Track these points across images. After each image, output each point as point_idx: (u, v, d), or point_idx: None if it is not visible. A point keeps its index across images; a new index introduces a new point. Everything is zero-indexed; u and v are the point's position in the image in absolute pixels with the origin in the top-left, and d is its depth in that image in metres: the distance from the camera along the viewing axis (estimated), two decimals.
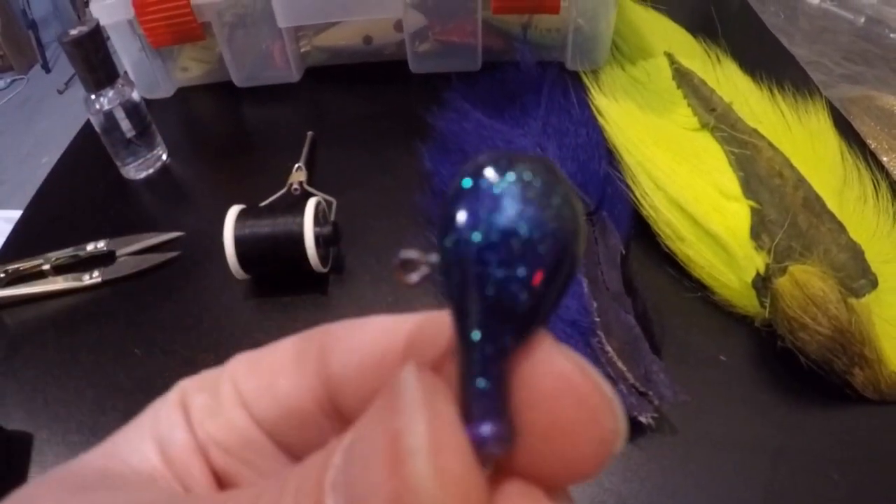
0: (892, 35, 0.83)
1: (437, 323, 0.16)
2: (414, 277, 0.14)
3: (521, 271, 0.13)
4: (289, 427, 0.19)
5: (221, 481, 0.19)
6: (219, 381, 0.19)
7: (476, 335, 0.13)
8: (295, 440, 0.19)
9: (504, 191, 0.13)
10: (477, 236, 0.13)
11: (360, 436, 0.13)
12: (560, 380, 0.14)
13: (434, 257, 0.13)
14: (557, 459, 0.14)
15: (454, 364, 0.14)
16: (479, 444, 0.13)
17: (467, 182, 0.13)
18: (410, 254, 0.14)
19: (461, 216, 0.13)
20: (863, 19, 0.86)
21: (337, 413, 0.18)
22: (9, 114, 2.91)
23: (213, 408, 0.19)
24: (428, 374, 0.14)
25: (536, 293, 0.13)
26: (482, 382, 0.13)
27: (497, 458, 0.14)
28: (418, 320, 0.17)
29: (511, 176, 0.13)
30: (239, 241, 0.52)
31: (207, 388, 0.19)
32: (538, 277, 0.13)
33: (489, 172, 0.13)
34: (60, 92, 2.96)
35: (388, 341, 0.17)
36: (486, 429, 0.13)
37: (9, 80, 3.09)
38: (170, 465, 0.18)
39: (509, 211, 0.13)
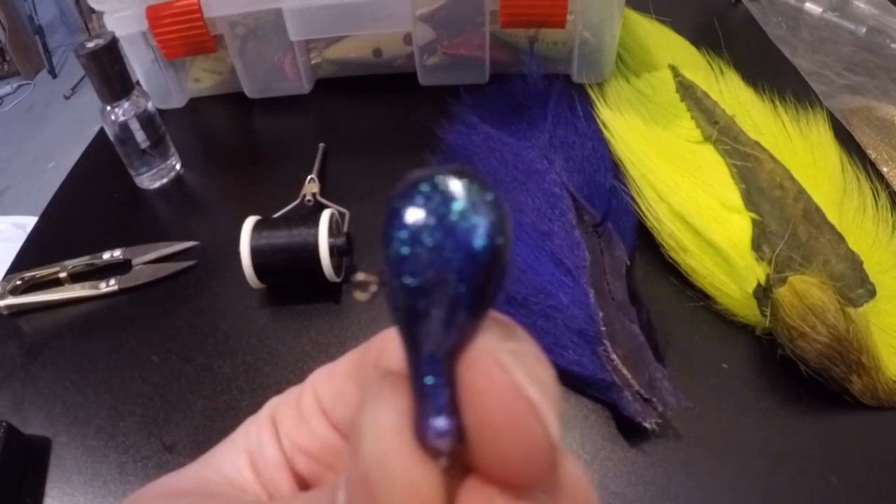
0: (893, 45, 0.84)
1: None
2: (363, 296, 0.15)
3: (447, 282, 0.14)
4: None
5: (308, 486, 0.20)
6: (302, 393, 0.21)
7: (415, 339, 0.14)
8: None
9: (427, 212, 0.14)
10: (405, 256, 0.14)
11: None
12: (488, 382, 0.14)
13: (382, 278, 0.14)
14: (499, 460, 0.14)
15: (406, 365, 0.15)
16: (426, 437, 0.14)
17: (397, 206, 0.14)
18: (360, 276, 0.15)
19: (392, 241, 0.14)
20: (864, 30, 0.87)
21: None
22: (15, 119, 2.92)
23: (297, 418, 0.21)
24: (390, 374, 0.15)
25: (464, 300, 0.14)
26: (429, 380, 0.14)
27: (449, 452, 0.14)
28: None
29: (434, 196, 0.14)
30: (255, 252, 0.53)
31: (293, 401, 0.21)
32: (466, 286, 0.14)
33: (414, 197, 0.14)
34: (67, 97, 2.97)
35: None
36: (432, 423, 0.14)
37: (15, 86, 3.11)
38: (259, 477, 0.20)
39: (431, 235, 0.14)
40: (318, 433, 0.20)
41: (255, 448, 0.21)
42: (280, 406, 0.21)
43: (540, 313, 0.48)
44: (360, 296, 0.15)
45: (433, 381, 0.14)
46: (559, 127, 0.64)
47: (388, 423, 0.14)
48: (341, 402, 0.20)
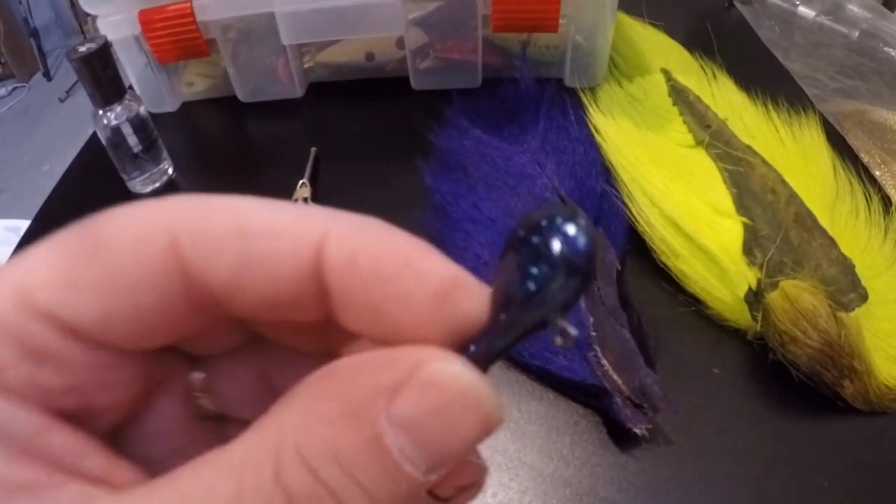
0: (886, 49, 0.84)
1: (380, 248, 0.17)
2: (561, 342, 0.17)
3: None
4: (154, 333, 0.17)
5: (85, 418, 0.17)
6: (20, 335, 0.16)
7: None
8: (156, 341, 0.18)
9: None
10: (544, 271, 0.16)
11: (437, 418, 0.16)
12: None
13: (573, 330, 0.17)
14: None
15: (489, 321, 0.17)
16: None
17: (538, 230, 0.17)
18: (562, 322, 0.17)
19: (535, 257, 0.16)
20: (857, 33, 0.87)
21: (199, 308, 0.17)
22: (10, 122, 2.92)
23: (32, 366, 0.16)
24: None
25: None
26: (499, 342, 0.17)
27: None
28: (335, 235, 0.17)
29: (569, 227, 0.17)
30: None
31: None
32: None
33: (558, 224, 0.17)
34: (62, 100, 2.96)
35: (291, 247, 0.17)
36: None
37: (10, 88, 3.10)
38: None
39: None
40: (68, 361, 0.16)
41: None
42: None
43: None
44: (560, 342, 0.17)
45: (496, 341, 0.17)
46: (551, 131, 0.64)
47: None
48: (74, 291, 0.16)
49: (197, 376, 0.21)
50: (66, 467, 0.16)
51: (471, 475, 0.19)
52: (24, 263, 0.16)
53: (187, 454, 0.16)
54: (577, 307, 0.48)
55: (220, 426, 0.21)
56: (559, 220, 0.17)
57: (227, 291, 0.17)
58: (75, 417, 0.17)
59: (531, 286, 0.16)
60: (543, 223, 0.17)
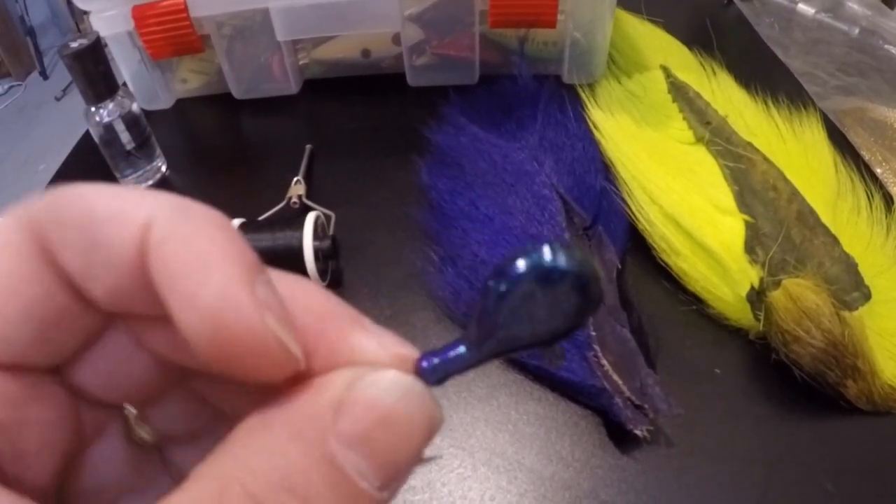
0: (886, 46, 0.83)
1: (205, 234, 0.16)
2: (557, 363, 0.17)
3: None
4: (53, 334, 0.17)
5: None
6: None
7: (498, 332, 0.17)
8: (59, 346, 0.17)
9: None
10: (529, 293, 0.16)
11: (385, 427, 0.15)
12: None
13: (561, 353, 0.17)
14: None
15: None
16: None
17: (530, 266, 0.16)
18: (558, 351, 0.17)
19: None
20: (857, 31, 0.87)
21: (85, 303, 0.17)
22: (6, 121, 2.91)
23: None
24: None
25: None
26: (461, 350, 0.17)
27: None
28: (160, 221, 0.16)
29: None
30: None
31: None
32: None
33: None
34: (58, 99, 2.96)
35: (128, 237, 0.16)
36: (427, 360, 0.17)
37: (6, 87, 3.09)
38: None
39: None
40: None
41: None
42: None
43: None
44: (555, 363, 0.17)
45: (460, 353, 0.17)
46: (549, 128, 0.63)
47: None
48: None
49: (130, 410, 0.20)
50: None
51: None
52: None
53: (135, 489, 0.17)
54: None
55: (164, 453, 0.21)
56: (551, 253, 0.16)
57: (83, 283, 0.16)
58: (10, 478, 0.16)
59: (521, 322, 0.16)
60: (539, 261, 0.16)
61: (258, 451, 0.15)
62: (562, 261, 0.15)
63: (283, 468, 0.15)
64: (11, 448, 0.16)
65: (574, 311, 0.16)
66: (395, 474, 0.16)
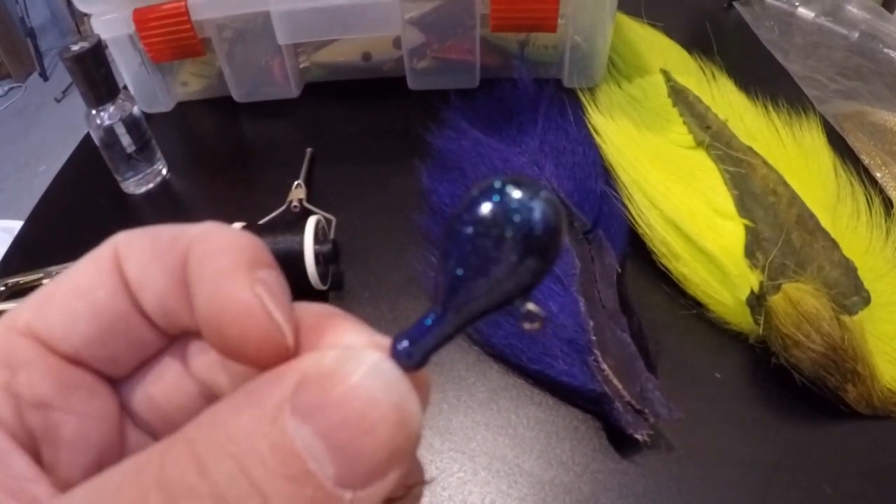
0: (885, 50, 0.83)
1: (222, 236, 0.18)
2: (532, 326, 0.15)
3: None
4: (111, 340, 0.18)
5: (40, 441, 0.18)
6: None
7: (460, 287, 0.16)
8: (119, 353, 0.19)
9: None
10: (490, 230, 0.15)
11: (343, 403, 0.15)
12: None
13: (541, 311, 0.15)
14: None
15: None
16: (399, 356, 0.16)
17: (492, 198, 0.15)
18: (531, 307, 0.15)
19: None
20: (857, 34, 0.87)
21: (143, 314, 0.19)
22: (6, 122, 2.91)
23: (7, 372, 0.17)
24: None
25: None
26: (429, 320, 0.16)
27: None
28: (199, 233, 0.18)
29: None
30: None
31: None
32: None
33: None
34: (58, 100, 2.96)
35: (178, 248, 0.18)
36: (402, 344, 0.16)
37: (6, 88, 3.09)
38: None
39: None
40: (47, 371, 0.17)
41: None
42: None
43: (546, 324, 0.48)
44: (530, 326, 0.15)
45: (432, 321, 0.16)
46: (550, 132, 0.63)
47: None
48: (83, 319, 0.18)
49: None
50: (15, 492, 0.16)
51: (416, 474, 0.18)
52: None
53: None
54: (577, 311, 0.47)
55: None
56: (514, 190, 0.15)
57: (138, 291, 0.18)
58: (46, 464, 0.17)
59: (481, 268, 0.15)
60: (494, 195, 0.15)
61: (216, 416, 0.15)
62: (515, 193, 0.15)
63: (231, 433, 0.14)
64: (47, 429, 0.17)
65: (535, 248, 0.15)
66: (358, 469, 0.14)
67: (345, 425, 0.14)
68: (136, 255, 0.18)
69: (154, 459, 0.15)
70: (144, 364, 0.20)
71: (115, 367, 0.19)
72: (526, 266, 0.15)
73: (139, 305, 0.18)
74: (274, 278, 0.17)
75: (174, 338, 0.20)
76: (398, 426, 0.15)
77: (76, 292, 0.18)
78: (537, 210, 0.14)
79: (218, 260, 0.17)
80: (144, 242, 0.18)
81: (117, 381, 0.19)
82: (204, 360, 0.19)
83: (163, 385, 0.20)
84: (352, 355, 0.15)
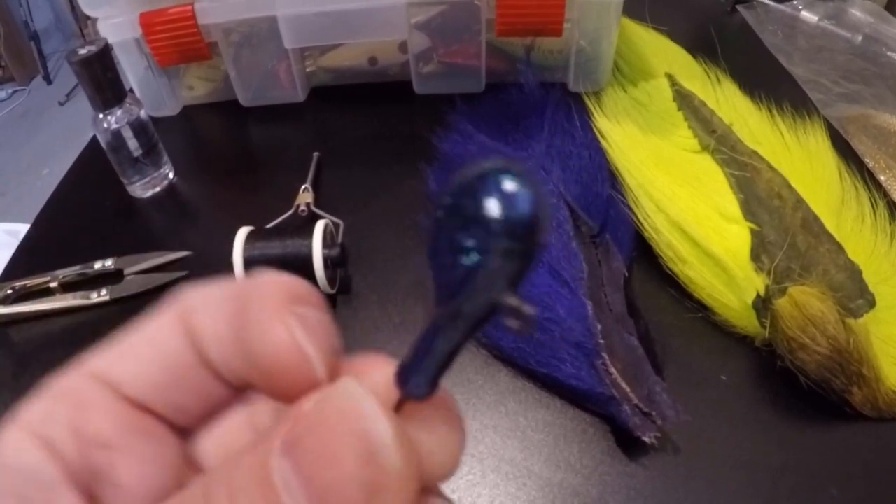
0: (889, 54, 0.84)
1: (277, 284, 0.18)
2: (516, 324, 0.15)
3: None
4: (178, 388, 0.19)
5: (99, 482, 0.18)
6: (71, 389, 0.18)
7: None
8: (185, 402, 0.19)
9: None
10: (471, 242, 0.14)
11: (312, 434, 0.15)
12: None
13: (529, 309, 0.15)
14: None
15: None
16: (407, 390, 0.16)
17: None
18: (512, 300, 0.15)
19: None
20: (860, 38, 0.87)
21: (210, 366, 0.19)
22: (10, 125, 2.91)
23: (76, 411, 0.18)
24: (364, 384, 0.16)
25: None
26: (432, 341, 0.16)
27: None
28: (256, 282, 0.19)
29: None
30: (248, 263, 0.52)
31: (60, 400, 0.19)
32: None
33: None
34: (62, 104, 2.96)
35: (240, 299, 0.19)
36: (416, 381, 0.16)
37: (10, 92, 3.10)
38: None
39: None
40: (113, 415, 0.18)
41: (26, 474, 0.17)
42: (43, 413, 0.18)
43: (537, 326, 0.48)
44: (515, 325, 0.15)
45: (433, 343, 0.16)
46: (556, 136, 0.63)
47: (402, 431, 0.15)
48: (152, 369, 0.18)
49: None
50: None
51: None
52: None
53: None
54: (585, 314, 0.48)
55: None
56: (492, 176, 0.14)
57: (203, 343, 0.19)
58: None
59: (464, 262, 0.14)
60: (474, 183, 0.14)
61: (234, 454, 0.16)
62: (490, 172, 0.14)
63: (233, 469, 0.15)
64: (108, 470, 0.18)
65: (522, 228, 0.14)
66: (323, 497, 0.14)
67: (314, 457, 0.14)
68: (202, 308, 0.19)
69: (175, 498, 0.16)
70: (213, 414, 0.20)
71: (182, 415, 0.19)
72: (508, 247, 0.14)
73: (206, 357, 0.19)
74: (313, 315, 0.18)
75: (242, 390, 0.20)
76: (367, 458, 0.14)
77: (146, 341, 0.19)
78: (513, 188, 0.14)
79: (263, 303, 0.17)
80: (211, 296, 0.19)
81: (185, 430, 0.20)
82: (264, 410, 0.20)
83: (227, 436, 0.20)
84: (336, 386, 0.16)
